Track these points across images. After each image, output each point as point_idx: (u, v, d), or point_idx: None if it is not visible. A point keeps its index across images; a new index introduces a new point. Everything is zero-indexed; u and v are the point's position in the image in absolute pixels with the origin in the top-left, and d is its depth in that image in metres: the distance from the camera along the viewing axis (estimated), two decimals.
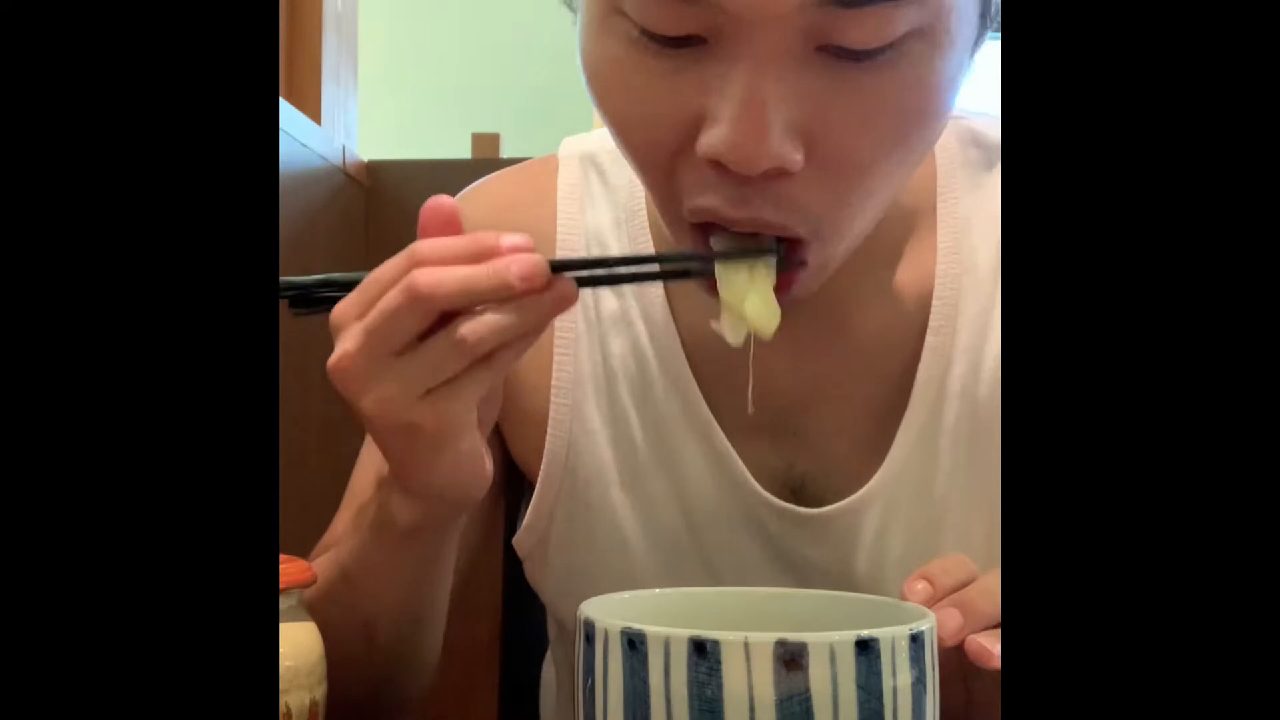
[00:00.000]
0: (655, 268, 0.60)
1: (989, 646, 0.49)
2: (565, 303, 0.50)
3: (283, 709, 0.50)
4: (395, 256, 0.51)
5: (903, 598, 0.50)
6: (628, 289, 0.68)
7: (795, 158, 0.49)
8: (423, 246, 0.50)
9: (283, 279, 0.52)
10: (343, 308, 0.52)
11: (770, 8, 0.47)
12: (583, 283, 0.52)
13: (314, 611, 0.54)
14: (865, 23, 0.48)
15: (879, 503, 0.64)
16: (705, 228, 0.54)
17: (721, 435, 0.65)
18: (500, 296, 0.49)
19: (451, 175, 1.19)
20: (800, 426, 0.65)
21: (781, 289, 0.54)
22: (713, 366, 0.66)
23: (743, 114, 0.48)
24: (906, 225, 0.66)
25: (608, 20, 0.51)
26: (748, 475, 0.64)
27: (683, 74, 0.50)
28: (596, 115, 0.56)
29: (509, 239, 0.50)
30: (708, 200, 0.52)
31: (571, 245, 0.69)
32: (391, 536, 0.58)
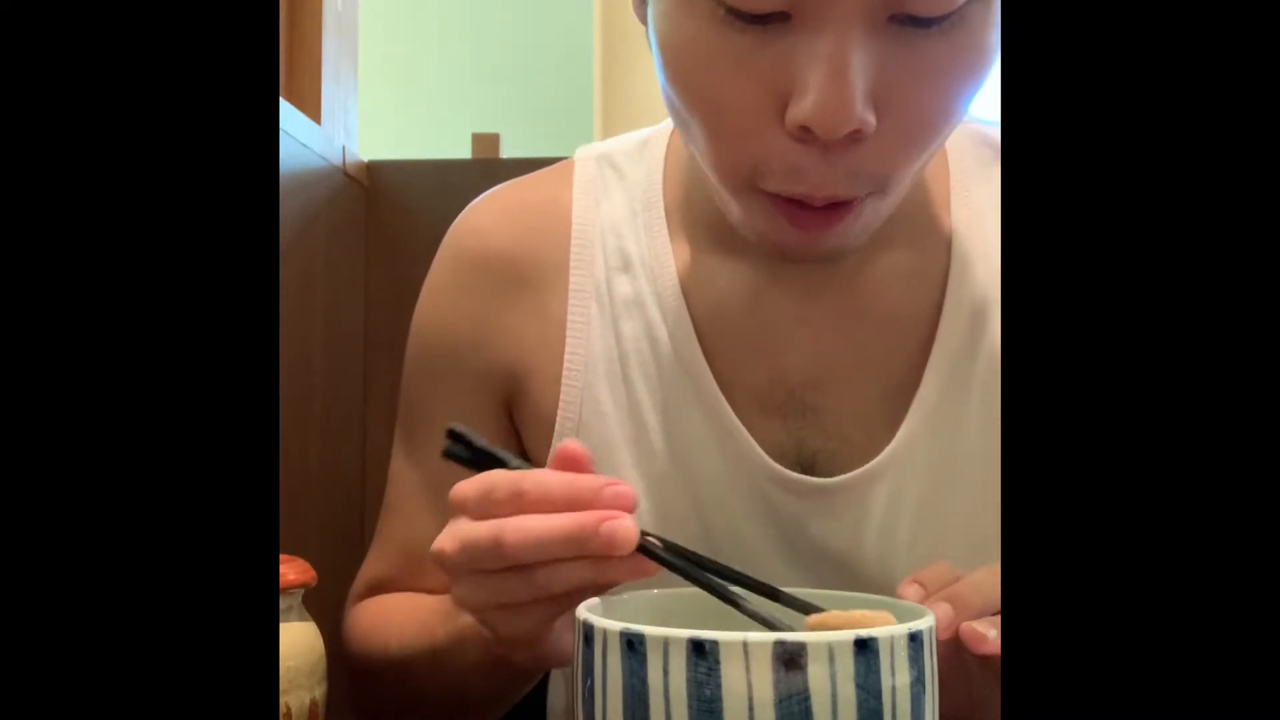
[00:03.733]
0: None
1: (982, 630, 0.49)
2: (642, 575, 0.49)
3: (283, 709, 0.50)
4: (510, 476, 0.50)
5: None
6: (640, 270, 0.68)
7: (871, 120, 0.52)
8: (529, 485, 0.50)
9: (456, 426, 0.52)
10: (460, 491, 0.51)
11: None
12: (662, 562, 0.49)
13: (357, 680, 0.54)
14: None
15: (889, 477, 0.64)
16: (777, 197, 0.56)
17: (731, 414, 0.65)
18: (581, 554, 0.48)
19: (451, 175, 1.19)
20: (813, 405, 0.66)
21: (820, 226, 0.56)
22: (725, 348, 0.66)
23: (830, 81, 0.51)
24: (923, 212, 0.67)
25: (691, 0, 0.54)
26: (758, 450, 0.65)
27: (766, 49, 0.52)
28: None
29: (613, 490, 0.49)
30: (795, 186, 0.55)
31: (587, 237, 0.70)
32: (461, 660, 0.60)
